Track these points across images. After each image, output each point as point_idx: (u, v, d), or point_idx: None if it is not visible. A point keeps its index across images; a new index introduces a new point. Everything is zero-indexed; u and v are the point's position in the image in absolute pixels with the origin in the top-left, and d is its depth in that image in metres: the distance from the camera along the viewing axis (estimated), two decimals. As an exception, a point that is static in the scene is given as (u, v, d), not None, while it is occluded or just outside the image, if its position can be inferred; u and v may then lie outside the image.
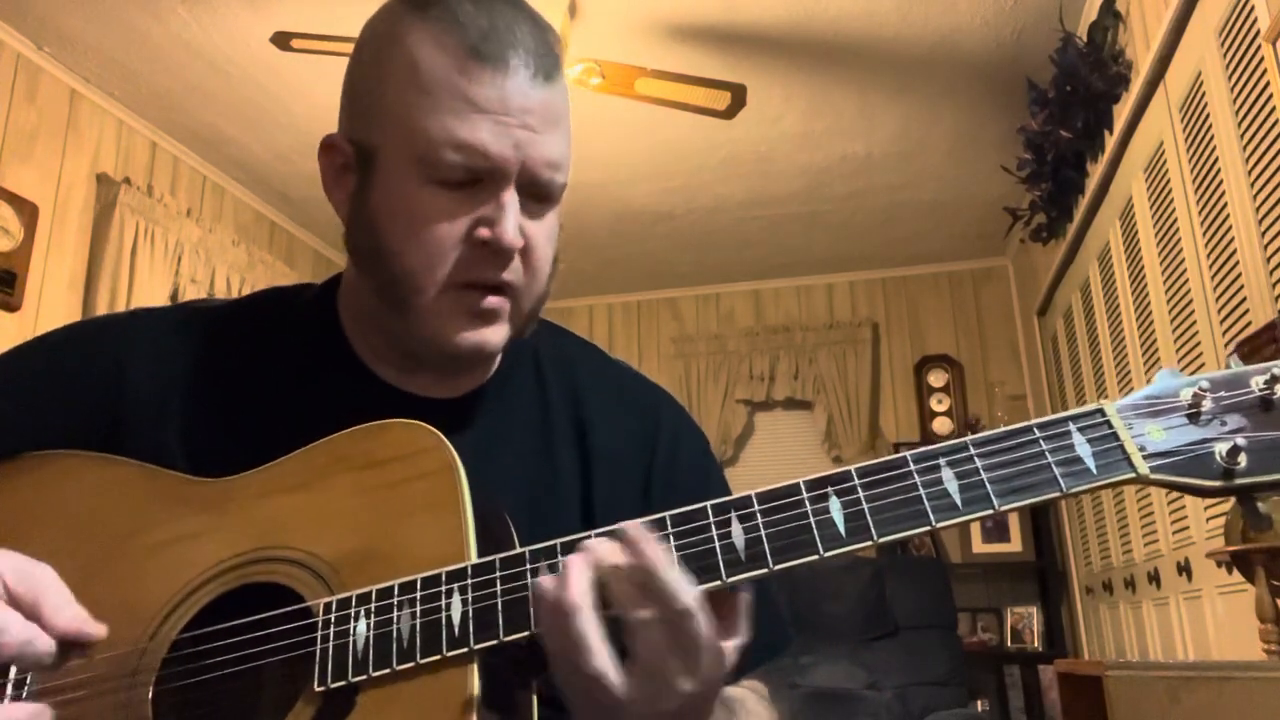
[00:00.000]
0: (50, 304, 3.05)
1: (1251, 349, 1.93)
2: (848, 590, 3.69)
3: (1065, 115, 2.94)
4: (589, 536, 0.59)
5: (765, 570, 0.57)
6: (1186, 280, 2.37)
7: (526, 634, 0.58)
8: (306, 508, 0.67)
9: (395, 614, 0.60)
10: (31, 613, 0.61)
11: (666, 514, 0.60)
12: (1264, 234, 1.91)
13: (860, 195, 4.09)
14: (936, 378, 4.73)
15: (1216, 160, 2.12)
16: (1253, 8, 1.88)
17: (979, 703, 4.04)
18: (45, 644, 0.61)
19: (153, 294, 3.31)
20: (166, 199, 3.49)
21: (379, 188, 0.72)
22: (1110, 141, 2.84)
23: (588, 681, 0.55)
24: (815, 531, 0.56)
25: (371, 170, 0.72)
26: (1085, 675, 1.87)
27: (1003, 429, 0.59)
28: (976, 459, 0.57)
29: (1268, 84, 1.84)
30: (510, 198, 0.70)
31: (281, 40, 2.58)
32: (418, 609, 0.60)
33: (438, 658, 0.58)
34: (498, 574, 0.60)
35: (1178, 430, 0.57)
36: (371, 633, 0.60)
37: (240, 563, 0.66)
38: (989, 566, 4.27)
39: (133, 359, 0.77)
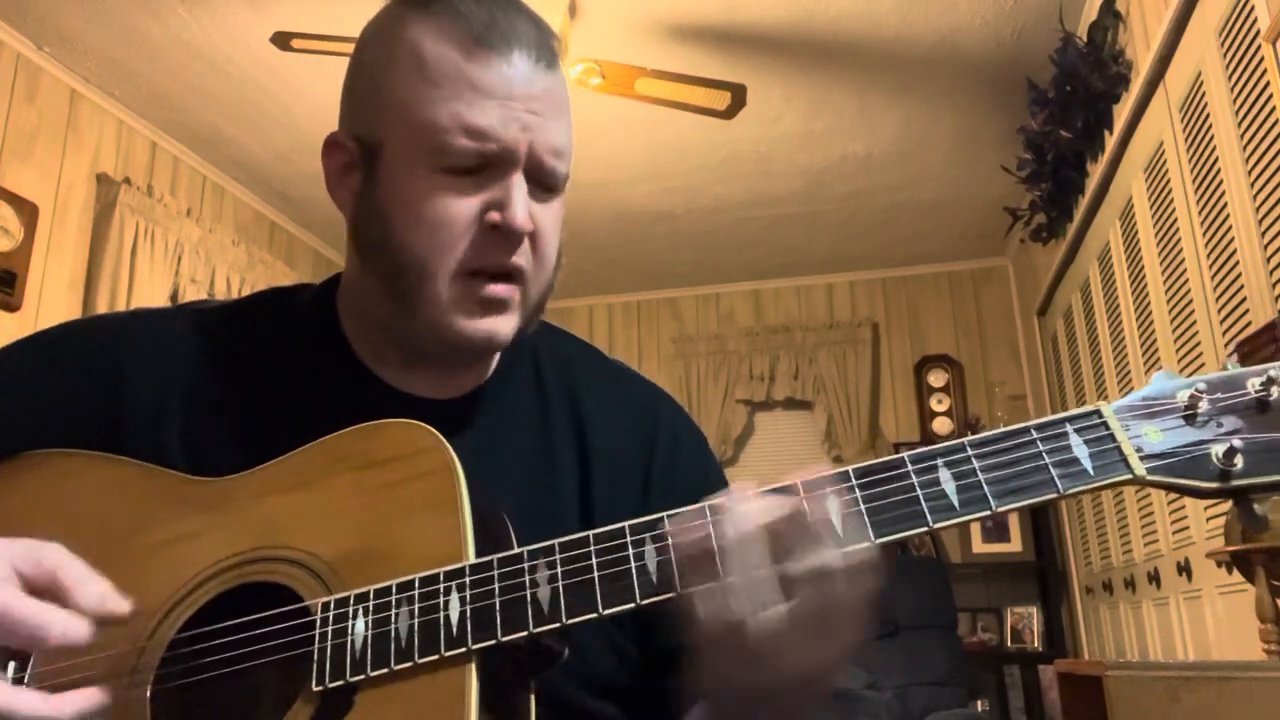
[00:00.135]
0: (50, 304, 3.05)
1: (1251, 349, 1.93)
2: (847, 590, 3.69)
3: (1065, 115, 2.94)
4: (588, 536, 0.59)
5: None
6: (1186, 280, 2.37)
7: (525, 634, 0.58)
8: (305, 507, 0.67)
9: (393, 613, 0.60)
10: (53, 596, 0.61)
11: (664, 514, 0.60)
12: (1264, 234, 1.91)
13: (860, 195, 4.09)
14: (936, 378, 4.73)
15: (1216, 160, 2.12)
16: (1253, 8, 1.88)
17: (979, 703, 4.04)
18: (80, 627, 0.60)
19: (153, 294, 3.32)
20: (166, 199, 3.49)
21: (386, 181, 0.72)
22: (1110, 141, 2.84)
23: (754, 607, 0.55)
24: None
25: (377, 165, 0.73)
26: (1085, 675, 1.87)
27: (1000, 430, 0.59)
28: (974, 460, 0.57)
29: (1268, 84, 1.84)
30: (519, 181, 0.71)
31: (281, 40, 2.58)
32: (416, 608, 0.60)
33: (436, 658, 0.58)
34: (495, 573, 0.60)
35: (1174, 432, 0.57)
36: (370, 632, 0.60)
37: (239, 562, 0.66)
38: (989, 566, 4.27)
39: (132, 359, 0.77)
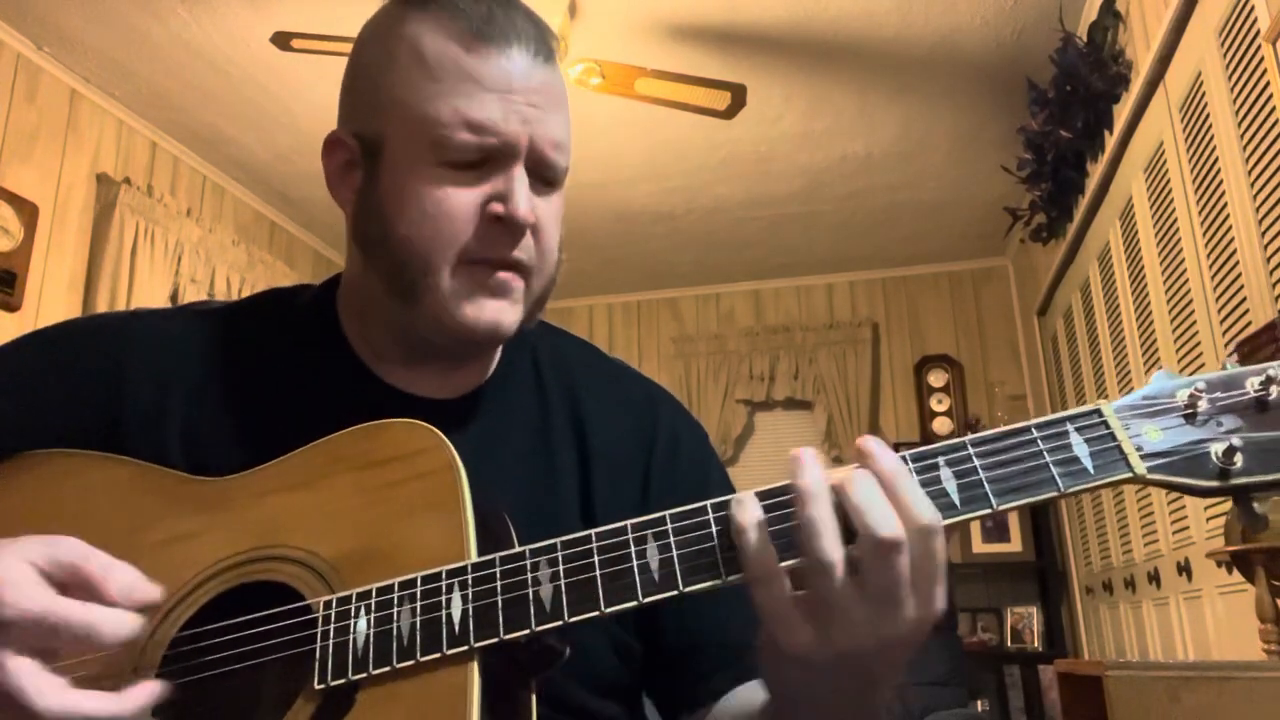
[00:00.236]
0: (50, 304, 3.05)
1: (1251, 349, 1.93)
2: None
3: (1065, 115, 2.94)
4: (590, 535, 0.60)
5: None
6: (1186, 280, 2.37)
7: (527, 632, 0.58)
8: (306, 507, 0.67)
9: (395, 611, 0.60)
10: (79, 591, 0.59)
11: (666, 513, 0.60)
12: (1264, 234, 1.91)
13: (860, 195, 4.09)
14: (936, 378, 4.73)
15: (1216, 160, 2.12)
16: (1253, 8, 1.88)
17: (979, 703, 4.04)
18: (129, 621, 0.59)
19: (153, 294, 3.32)
20: (166, 199, 3.50)
21: (387, 176, 0.72)
22: (1110, 141, 2.84)
23: (817, 577, 0.53)
24: (801, 535, 0.56)
25: (379, 161, 0.73)
26: (1085, 675, 1.87)
27: (1001, 429, 0.59)
28: (975, 458, 0.57)
29: (1268, 84, 1.84)
30: (520, 173, 0.71)
31: (281, 40, 2.58)
32: (418, 607, 0.60)
33: (438, 656, 0.58)
34: (498, 571, 0.60)
35: (1174, 431, 0.57)
36: (371, 631, 0.60)
37: (240, 561, 0.67)
38: (989, 566, 4.27)
39: (132, 359, 0.77)
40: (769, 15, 2.86)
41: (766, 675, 0.61)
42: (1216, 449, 0.56)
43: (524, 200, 0.70)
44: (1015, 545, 4.26)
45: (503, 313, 0.73)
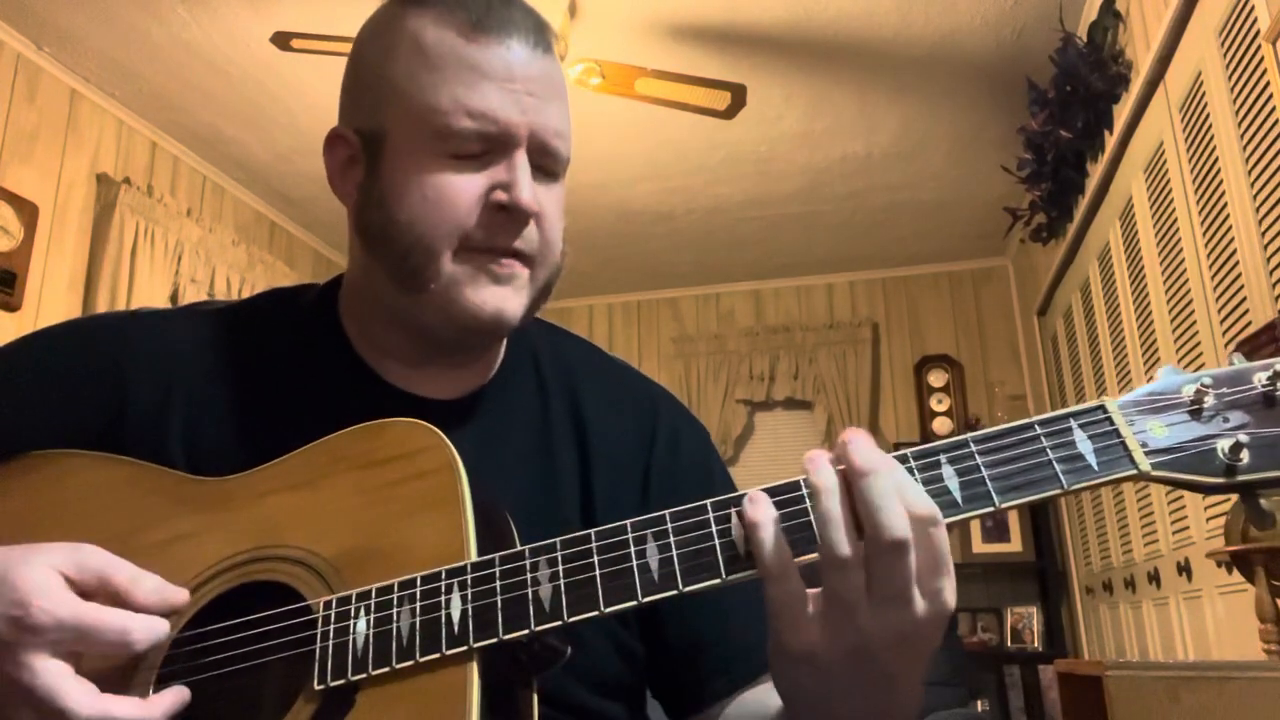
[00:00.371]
0: (50, 304, 3.05)
1: (1251, 349, 1.93)
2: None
3: (1065, 115, 2.94)
4: (590, 534, 0.59)
5: None
6: (1186, 280, 2.37)
7: (526, 632, 0.58)
8: (307, 506, 0.67)
9: (395, 612, 0.60)
10: (113, 599, 0.61)
11: (666, 512, 0.59)
12: (1264, 234, 1.91)
13: (860, 195, 4.09)
14: (936, 378, 4.73)
15: (1216, 160, 2.12)
16: (1253, 8, 1.88)
17: (979, 703, 4.04)
18: (160, 626, 0.61)
19: (153, 294, 3.32)
20: (166, 199, 3.49)
21: (389, 168, 0.72)
22: (1110, 141, 2.84)
23: (830, 572, 0.53)
24: (816, 530, 0.56)
25: (380, 155, 0.73)
26: (1085, 675, 1.87)
27: (1004, 426, 0.58)
28: (977, 456, 0.57)
29: (1268, 84, 1.84)
30: (523, 161, 0.71)
31: (281, 40, 2.58)
32: (417, 607, 0.60)
33: (437, 656, 0.58)
34: (497, 571, 0.60)
35: (1180, 427, 0.56)
36: (371, 631, 0.60)
37: (241, 561, 0.66)
38: (989, 566, 4.27)
39: (133, 359, 0.77)
40: (769, 15, 2.86)
41: (777, 678, 0.60)
42: (1223, 445, 0.55)
43: (527, 188, 0.71)
44: (1015, 545, 4.26)
45: (507, 300, 0.72)
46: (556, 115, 0.73)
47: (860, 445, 0.55)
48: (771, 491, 0.57)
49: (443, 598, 0.59)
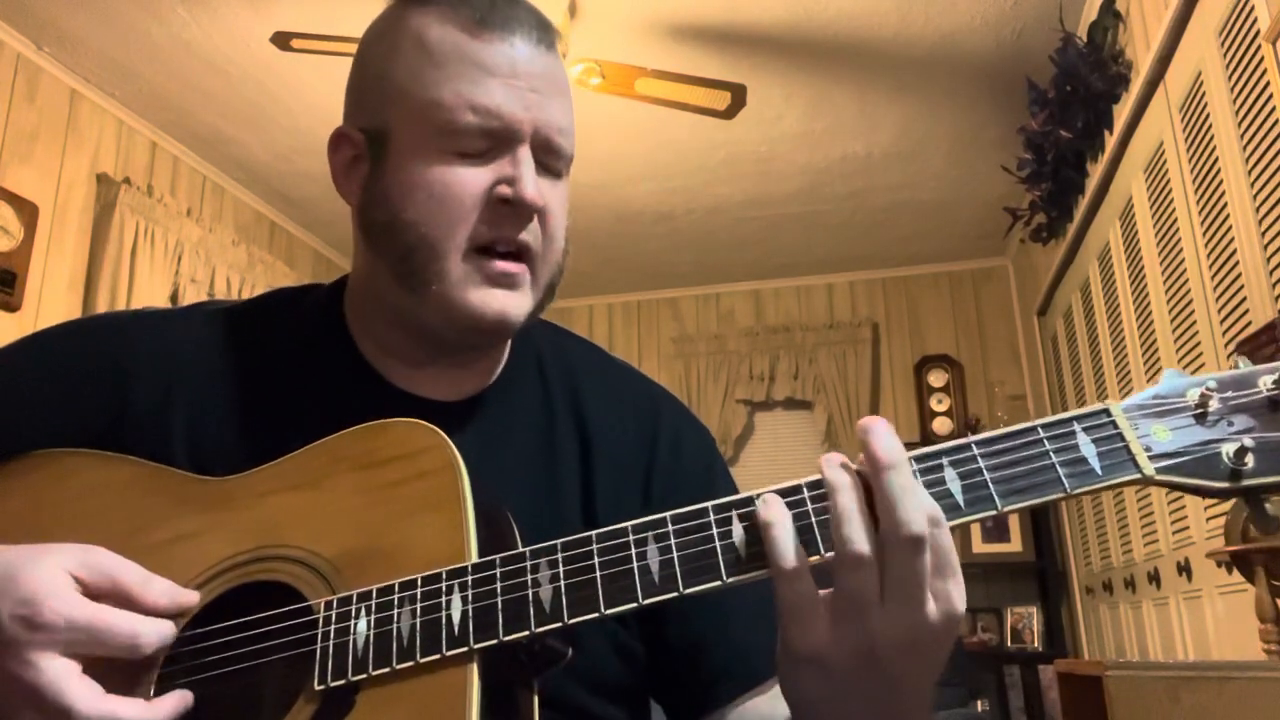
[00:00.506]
0: (50, 304, 3.05)
1: (1251, 349, 1.93)
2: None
3: (1065, 115, 2.94)
4: (590, 536, 0.59)
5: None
6: (1186, 280, 2.37)
7: (526, 634, 0.58)
8: (308, 506, 0.67)
9: (395, 612, 0.60)
10: (123, 601, 0.61)
11: (667, 514, 0.59)
12: (1264, 234, 1.91)
13: (860, 195, 4.09)
14: (936, 378, 4.73)
15: (1216, 160, 2.12)
16: (1253, 8, 1.88)
17: (979, 703, 4.04)
18: (168, 629, 0.62)
19: (153, 294, 3.32)
20: (166, 199, 3.49)
21: (394, 165, 0.72)
22: (1110, 141, 2.84)
23: (844, 570, 0.53)
24: (816, 532, 0.56)
25: (385, 152, 0.73)
26: (1085, 675, 1.87)
27: (1007, 429, 0.58)
28: (980, 459, 0.57)
29: (1268, 84, 1.84)
30: (527, 156, 0.72)
31: (281, 40, 2.58)
32: (418, 608, 0.60)
33: (437, 657, 0.58)
34: (498, 572, 0.60)
35: (1184, 431, 0.56)
36: (372, 631, 0.60)
37: (242, 561, 0.66)
38: (989, 566, 4.27)
39: (135, 359, 0.77)
40: (769, 15, 2.86)
41: (784, 681, 0.59)
42: (1228, 449, 0.55)
43: (531, 183, 0.71)
44: (1015, 545, 4.26)
45: (509, 302, 0.72)
46: (560, 112, 0.74)
47: (881, 435, 0.54)
48: (782, 493, 0.57)
49: (443, 599, 0.59)
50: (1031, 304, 4.32)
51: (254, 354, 0.79)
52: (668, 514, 0.59)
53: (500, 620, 0.58)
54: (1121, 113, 2.72)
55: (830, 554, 0.55)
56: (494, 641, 0.58)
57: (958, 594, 0.54)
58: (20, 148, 2.99)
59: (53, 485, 0.74)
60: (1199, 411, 0.57)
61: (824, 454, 0.57)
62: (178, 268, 3.50)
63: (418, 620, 0.59)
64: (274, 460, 0.70)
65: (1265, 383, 0.56)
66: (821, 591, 0.55)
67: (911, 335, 4.87)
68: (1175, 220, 2.42)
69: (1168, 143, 2.42)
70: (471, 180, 0.71)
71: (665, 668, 0.78)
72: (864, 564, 0.53)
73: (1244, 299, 2.03)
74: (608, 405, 0.83)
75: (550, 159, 0.74)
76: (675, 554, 0.58)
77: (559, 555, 0.59)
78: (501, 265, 0.72)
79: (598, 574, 0.58)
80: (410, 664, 0.58)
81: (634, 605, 0.57)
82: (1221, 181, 2.09)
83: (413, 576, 0.61)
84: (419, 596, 0.60)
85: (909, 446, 0.56)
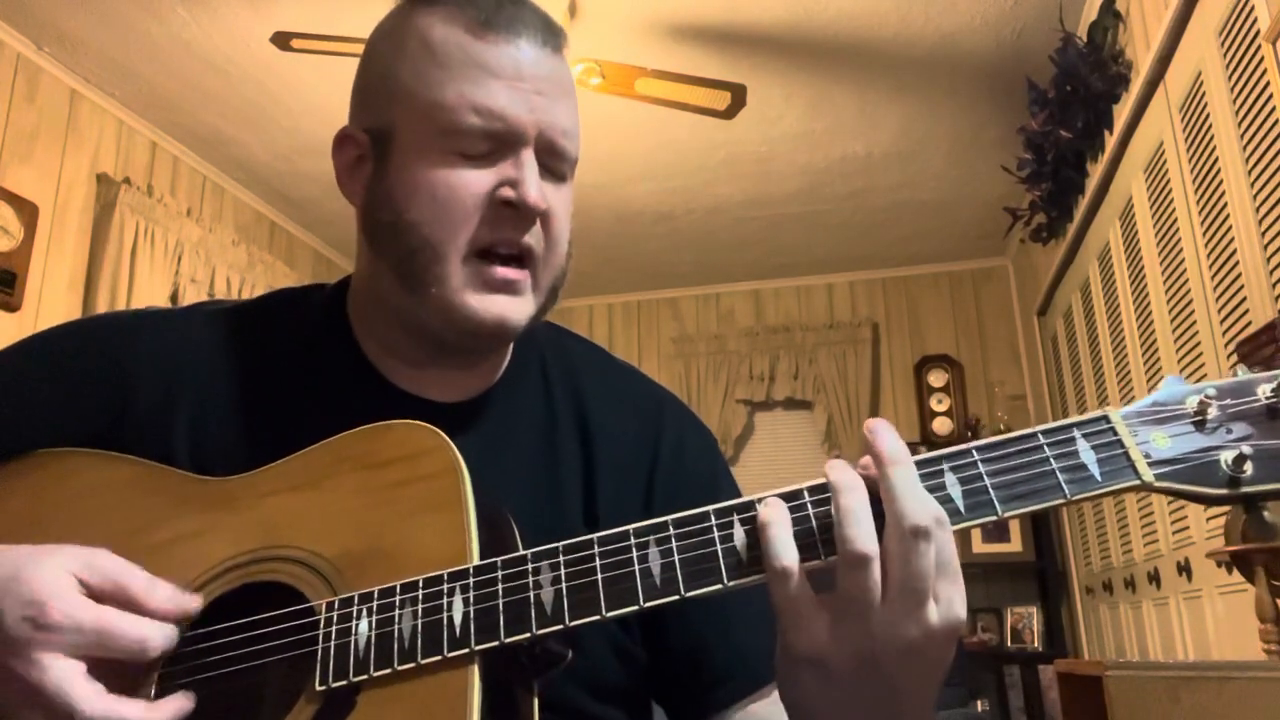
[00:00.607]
0: (50, 304, 3.05)
1: (1251, 349, 1.93)
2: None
3: (1065, 115, 2.94)
4: (592, 539, 0.59)
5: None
6: (1186, 280, 2.37)
7: (527, 635, 0.58)
8: (310, 507, 0.67)
9: (397, 614, 0.60)
10: (127, 604, 0.61)
11: (668, 518, 0.59)
12: (1264, 234, 1.91)
13: (860, 195, 4.09)
14: (936, 378, 4.73)
15: (1216, 160, 2.12)
16: (1253, 8, 1.88)
17: (979, 703, 4.04)
18: (168, 632, 0.62)
19: (153, 294, 3.32)
20: (166, 199, 3.49)
21: (397, 166, 0.72)
22: (1110, 141, 2.84)
23: (847, 571, 0.53)
24: (817, 535, 0.56)
25: (389, 152, 0.73)
26: (1085, 675, 1.87)
27: (1007, 435, 0.58)
28: (980, 464, 0.57)
29: (1268, 84, 1.84)
30: (530, 159, 0.71)
31: (281, 40, 2.58)
32: (419, 609, 0.60)
33: (438, 658, 0.58)
34: (499, 574, 0.60)
35: (1183, 438, 0.56)
36: (373, 632, 0.60)
37: (243, 562, 0.67)
38: (989, 566, 4.27)
39: (137, 359, 0.77)
40: (769, 15, 2.86)
41: (782, 683, 0.59)
42: (1226, 457, 0.55)
43: (534, 186, 0.71)
44: (1015, 545, 4.26)
45: (509, 307, 0.72)
46: (565, 115, 0.73)
47: (886, 434, 0.55)
48: (785, 496, 0.58)
49: (445, 600, 0.59)
50: (1031, 304, 4.32)
51: (256, 354, 0.79)
52: (669, 518, 0.59)
53: (502, 622, 0.58)
54: (1121, 113, 2.72)
55: (832, 558, 0.55)
56: (495, 643, 0.58)
57: (959, 599, 0.54)
58: (20, 148, 2.99)
59: (54, 485, 0.74)
60: (1198, 419, 0.57)
61: (824, 454, 0.58)
62: (178, 268, 3.50)
63: (419, 621, 0.59)
64: (276, 461, 0.70)
65: (1264, 391, 0.56)
66: (824, 594, 0.55)
67: (911, 335, 4.87)
68: (1175, 220, 2.42)
69: (1168, 143, 2.42)
70: (474, 182, 0.70)
71: (666, 671, 0.78)
72: (866, 564, 0.53)
73: (1244, 299, 2.03)
74: (611, 407, 0.83)
75: (554, 162, 0.74)
76: (676, 557, 0.58)
77: (560, 558, 0.59)
78: (502, 272, 0.72)
79: (599, 576, 0.58)
80: (411, 665, 0.59)
81: (635, 608, 0.57)
82: (1221, 181, 2.10)
83: (414, 578, 0.61)
84: (420, 598, 0.60)
85: (909, 447, 0.56)
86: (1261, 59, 1.86)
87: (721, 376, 4.91)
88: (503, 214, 0.71)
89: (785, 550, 0.54)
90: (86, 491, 0.73)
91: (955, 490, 0.57)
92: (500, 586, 0.59)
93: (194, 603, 0.64)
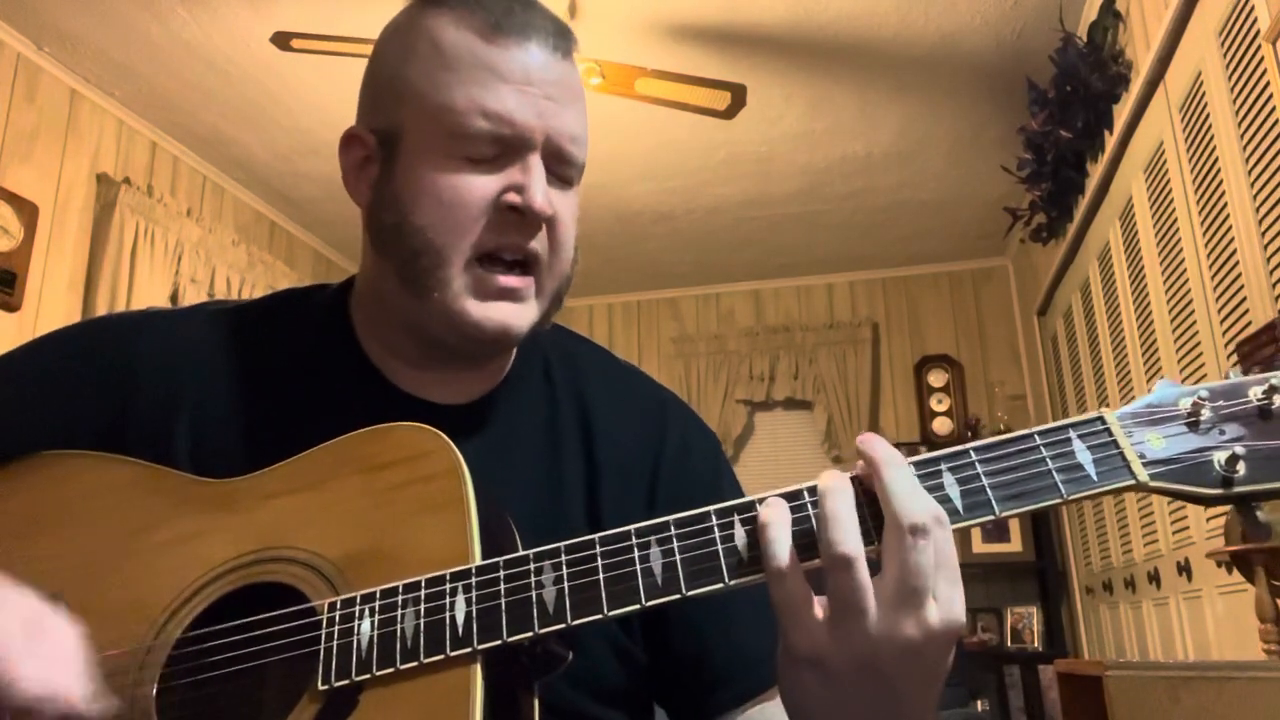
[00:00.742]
0: (50, 304, 3.05)
1: (1251, 349, 1.93)
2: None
3: (1065, 115, 2.94)
4: (594, 539, 0.60)
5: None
6: (1186, 280, 2.37)
7: (529, 635, 0.58)
8: (312, 508, 0.68)
9: (399, 613, 0.60)
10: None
11: (670, 518, 0.60)
12: (1264, 234, 1.92)
13: (860, 195, 4.09)
14: (936, 378, 4.73)
15: (1216, 160, 2.12)
16: (1253, 8, 1.88)
17: (979, 703, 4.05)
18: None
19: (153, 294, 3.32)
20: (166, 199, 3.49)
21: (404, 167, 0.72)
22: (1110, 141, 2.84)
23: (837, 572, 0.53)
24: (816, 536, 0.56)
25: (395, 154, 0.73)
26: (1085, 675, 1.87)
27: (1004, 436, 0.59)
28: (978, 465, 0.58)
29: (1268, 84, 1.84)
30: (537, 164, 0.71)
31: (281, 40, 2.58)
32: (422, 609, 0.60)
33: (441, 657, 0.59)
34: (501, 574, 0.60)
35: (1177, 438, 0.57)
36: (375, 632, 0.60)
37: (245, 562, 0.67)
38: (989, 566, 4.27)
39: (138, 360, 0.77)
40: (769, 15, 2.86)
41: (783, 684, 0.59)
42: (1219, 457, 0.56)
43: (540, 191, 0.70)
44: (1015, 545, 4.26)
45: (511, 314, 0.72)
46: (573, 120, 0.73)
47: (878, 441, 0.57)
48: (786, 497, 0.58)
49: (447, 599, 0.60)
50: (1031, 304, 4.32)
51: (258, 355, 0.79)
52: (671, 518, 0.59)
53: (504, 621, 0.59)
54: (1121, 113, 2.72)
55: None
56: (498, 642, 0.58)
57: (959, 600, 0.54)
58: (20, 148, 2.99)
59: (55, 487, 0.74)
60: (1191, 420, 0.58)
61: (824, 454, 0.58)
62: (178, 268, 3.50)
63: (422, 621, 0.60)
64: (277, 462, 0.70)
65: (1255, 393, 0.57)
66: (822, 595, 0.55)
67: (911, 335, 4.87)
68: (1175, 220, 2.42)
69: (1168, 143, 2.42)
70: (480, 186, 0.70)
71: (668, 673, 0.78)
72: (850, 565, 0.53)
73: (1244, 299, 2.03)
74: (614, 409, 0.83)
75: (561, 167, 0.74)
76: (678, 556, 0.58)
77: (562, 557, 0.60)
78: (504, 280, 0.72)
79: (601, 576, 0.59)
80: (414, 664, 0.59)
81: (636, 607, 0.58)
82: (1221, 181, 2.10)
83: (417, 578, 0.61)
84: (423, 597, 0.60)
85: (909, 447, 0.57)
86: (1261, 59, 1.86)
87: (721, 376, 4.91)
88: (508, 219, 0.71)
89: (784, 550, 0.55)
90: (87, 493, 0.73)
91: (954, 490, 0.57)
92: (502, 586, 0.60)
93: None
